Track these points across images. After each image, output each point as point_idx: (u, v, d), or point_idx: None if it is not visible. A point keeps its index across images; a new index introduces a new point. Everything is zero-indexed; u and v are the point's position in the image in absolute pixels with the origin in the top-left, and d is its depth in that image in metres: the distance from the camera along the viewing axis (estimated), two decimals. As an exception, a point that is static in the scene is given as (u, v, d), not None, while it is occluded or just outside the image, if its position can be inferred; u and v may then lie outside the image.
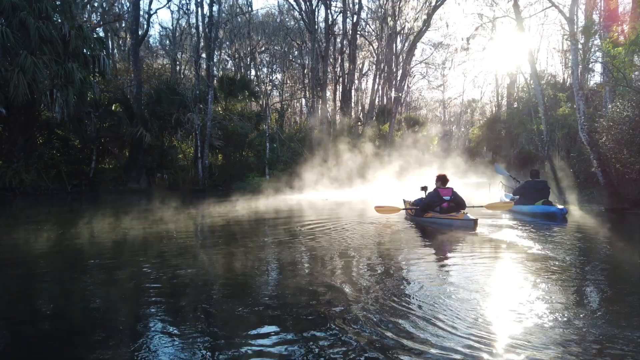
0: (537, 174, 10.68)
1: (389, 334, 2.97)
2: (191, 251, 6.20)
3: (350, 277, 4.58)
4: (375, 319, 3.26)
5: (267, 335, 3.03)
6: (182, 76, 30.95)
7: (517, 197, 10.53)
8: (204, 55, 24.27)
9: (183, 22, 32.58)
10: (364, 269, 5.07)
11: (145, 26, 28.05)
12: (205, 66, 24.05)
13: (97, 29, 29.61)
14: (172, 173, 21.95)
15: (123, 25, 31.78)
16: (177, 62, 32.41)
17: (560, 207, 9.62)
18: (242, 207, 12.83)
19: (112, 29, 32.62)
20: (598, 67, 20.97)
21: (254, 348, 2.82)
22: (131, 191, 19.68)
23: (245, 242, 6.82)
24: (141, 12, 27.49)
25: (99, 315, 3.56)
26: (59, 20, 17.90)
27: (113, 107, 22.06)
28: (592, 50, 18.92)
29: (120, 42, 34.26)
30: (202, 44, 24.85)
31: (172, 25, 34.29)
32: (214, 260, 5.52)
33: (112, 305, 3.82)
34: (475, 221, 7.84)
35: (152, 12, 28.79)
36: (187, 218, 10.18)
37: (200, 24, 24.71)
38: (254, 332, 3.10)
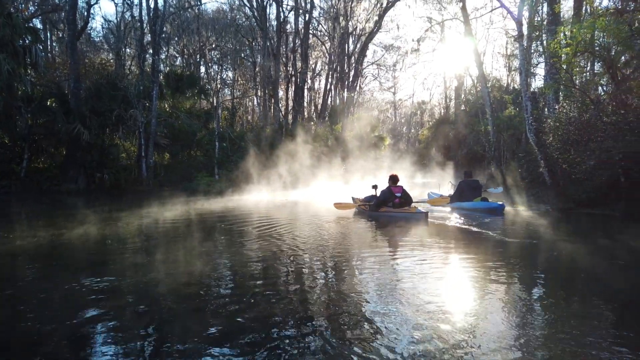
0: (471, 174, 11.87)
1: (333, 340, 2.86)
2: (131, 259, 5.59)
3: (303, 283, 4.29)
4: (324, 326, 3.08)
5: (211, 344, 2.91)
6: (128, 72, 29.40)
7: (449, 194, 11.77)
8: (151, 51, 23.11)
9: (128, 15, 31.01)
10: (318, 272, 4.75)
11: (85, 16, 26.35)
12: (150, 61, 22.90)
13: (34, 20, 27.62)
14: (114, 173, 20.61)
15: (62, 17, 29.81)
16: (122, 57, 30.79)
17: (500, 203, 10.72)
18: (188, 209, 12.15)
19: (51, 21, 30.60)
20: (540, 71, 21.77)
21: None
22: (68, 192, 18.32)
23: (189, 247, 6.27)
24: (81, 3, 25.89)
25: (37, 328, 3.17)
26: (-16, 7, 16.37)
27: (48, 102, 20.46)
28: (535, 54, 19.59)
29: (60, 34, 32.18)
30: (147, 38, 23.67)
31: (117, 18, 32.63)
32: (157, 268, 4.96)
33: (46, 318, 3.39)
34: (426, 214, 8.83)
35: (92, 3, 27.05)
36: (126, 222, 9.41)
37: (145, 16, 23.52)
38: (200, 340, 2.95)
